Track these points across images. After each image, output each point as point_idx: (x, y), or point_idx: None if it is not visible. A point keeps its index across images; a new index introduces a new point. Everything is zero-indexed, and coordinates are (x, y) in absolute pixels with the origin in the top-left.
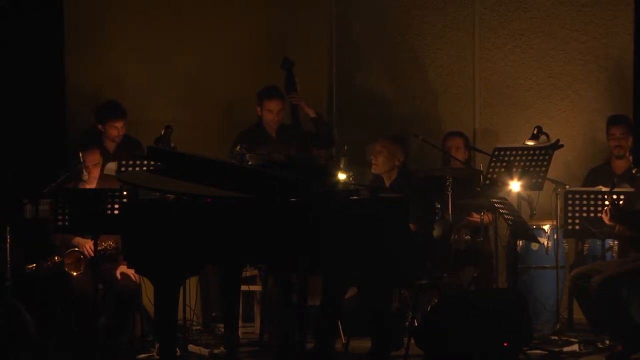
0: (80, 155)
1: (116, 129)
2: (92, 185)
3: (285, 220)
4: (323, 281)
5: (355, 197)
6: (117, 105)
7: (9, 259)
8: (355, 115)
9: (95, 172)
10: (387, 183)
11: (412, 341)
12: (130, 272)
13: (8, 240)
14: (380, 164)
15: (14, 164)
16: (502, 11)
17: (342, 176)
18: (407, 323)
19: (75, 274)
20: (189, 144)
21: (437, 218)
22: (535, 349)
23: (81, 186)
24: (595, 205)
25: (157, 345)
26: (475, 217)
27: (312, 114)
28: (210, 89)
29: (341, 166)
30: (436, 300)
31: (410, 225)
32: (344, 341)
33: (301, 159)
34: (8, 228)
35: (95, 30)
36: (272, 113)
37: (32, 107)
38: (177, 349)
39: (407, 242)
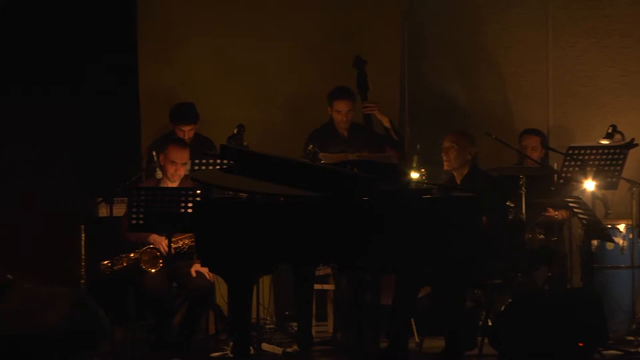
0: (154, 154)
1: (182, 132)
2: (176, 184)
3: (358, 219)
4: (396, 280)
5: (427, 196)
6: (188, 110)
7: (83, 257)
8: (428, 113)
9: (182, 171)
10: (458, 180)
11: (486, 341)
12: (205, 270)
13: (82, 239)
14: (453, 160)
15: (89, 164)
16: (576, 9)
17: (414, 175)
18: (480, 323)
19: (153, 271)
20: (261, 143)
21: (509, 217)
22: (611, 349)
23: (163, 184)
24: None
25: (230, 344)
26: (551, 213)
27: (386, 123)
28: (281, 89)
29: (414, 165)
30: (510, 300)
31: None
32: (417, 340)
33: (374, 158)
34: (82, 227)
35: (167, 33)
36: (341, 113)
37: (107, 108)
38: (251, 347)
39: (479, 242)
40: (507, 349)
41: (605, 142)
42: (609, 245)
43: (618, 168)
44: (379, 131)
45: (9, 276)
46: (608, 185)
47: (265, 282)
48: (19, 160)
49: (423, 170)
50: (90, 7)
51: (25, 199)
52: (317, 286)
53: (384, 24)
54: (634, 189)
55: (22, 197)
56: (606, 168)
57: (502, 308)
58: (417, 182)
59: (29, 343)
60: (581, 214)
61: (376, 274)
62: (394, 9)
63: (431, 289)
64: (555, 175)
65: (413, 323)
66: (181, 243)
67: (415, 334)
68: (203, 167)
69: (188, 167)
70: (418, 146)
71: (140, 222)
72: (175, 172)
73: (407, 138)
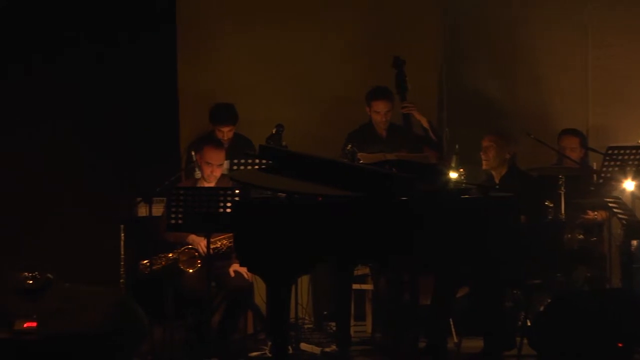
0: (193, 154)
1: (221, 133)
2: (212, 184)
3: (396, 219)
4: (434, 280)
5: (465, 196)
6: (226, 110)
7: (122, 256)
8: (466, 113)
9: (218, 172)
10: (497, 179)
11: (525, 341)
12: (243, 270)
13: (122, 238)
14: (492, 159)
15: (128, 165)
16: (614, 8)
17: (453, 175)
18: (519, 323)
19: (191, 271)
20: (300, 143)
21: (549, 217)
22: None
23: (199, 185)
24: None
25: (269, 343)
26: (590, 215)
27: (425, 124)
28: (320, 89)
29: (452, 165)
30: (549, 300)
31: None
32: (455, 340)
33: (412, 158)
34: (122, 226)
35: (206, 34)
36: (379, 114)
37: (146, 109)
38: (289, 347)
39: (518, 241)
40: (546, 349)
41: None
42: None
43: None
44: (417, 132)
45: (49, 275)
46: None
47: (304, 281)
48: (59, 161)
49: (462, 170)
50: (130, 7)
51: (65, 199)
52: (355, 286)
53: (423, 24)
54: None
55: (62, 198)
56: None
57: (541, 308)
58: (456, 181)
59: (69, 342)
60: (621, 214)
61: (414, 273)
62: (433, 9)
63: (470, 289)
64: (595, 175)
65: (451, 323)
66: (219, 243)
67: (454, 334)
68: (242, 167)
69: (226, 166)
70: (457, 146)
71: (179, 222)
72: (211, 173)
73: (446, 138)
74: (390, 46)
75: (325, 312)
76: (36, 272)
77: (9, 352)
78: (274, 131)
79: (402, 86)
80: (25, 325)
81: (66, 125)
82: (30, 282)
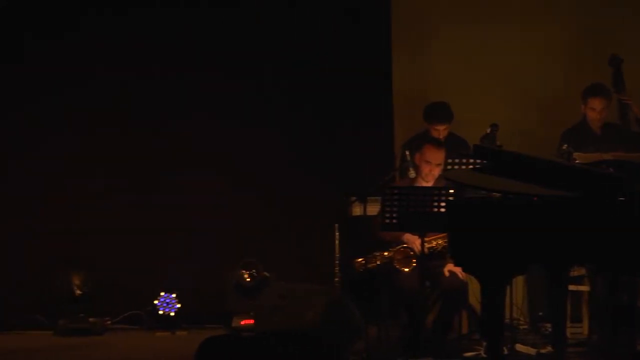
0: (407, 153)
1: (437, 132)
2: (430, 183)
3: (613, 220)
4: None
5: None
6: (442, 109)
7: (337, 255)
8: None
9: (436, 171)
10: None
11: None
12: (458, 270)
13: (337, 237)
14: None
15: (343, 164)
16: None
17: None
18: None
19: (406, 270)
20: (514, 143)
21: None
22: None
23: (416, 184)
24: None
25: (483, 344)
26: None
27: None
28: (533, 88)
29: None
30: None
31: None
32: None
33: (630, 158)
34: (336, 225)
35: (420, 32)
36: (595, 111)
37: (361, 109)
38: (504, 348)
39: None
40: None
41: None
42: None
43: None
44: (635, 129)
45: (266, 274)
46: None
47: (519, 282)
48: (274, 158)
49: None
50: (344, 9)
51: (281, 198)
52: (571, 287)
53: None
54: None
55: (278, 197)
56: None
57: None
58: None
59: (285, 340)
60: None
61: (633, 275)
62: None
63: None
64: None
65: None
66: (435, 243)
67: None
68: (456, 167)
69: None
70: None
71: (394, 221)
72: (429, 172)
73: None
74: (607, 43)
75: (540, 313)
76: (254, 270)
77: (226, 348)
78: (488, 131)
79: (619, 85)
80: (242, 322)
81: (283, 126)
82: (248, 280)
